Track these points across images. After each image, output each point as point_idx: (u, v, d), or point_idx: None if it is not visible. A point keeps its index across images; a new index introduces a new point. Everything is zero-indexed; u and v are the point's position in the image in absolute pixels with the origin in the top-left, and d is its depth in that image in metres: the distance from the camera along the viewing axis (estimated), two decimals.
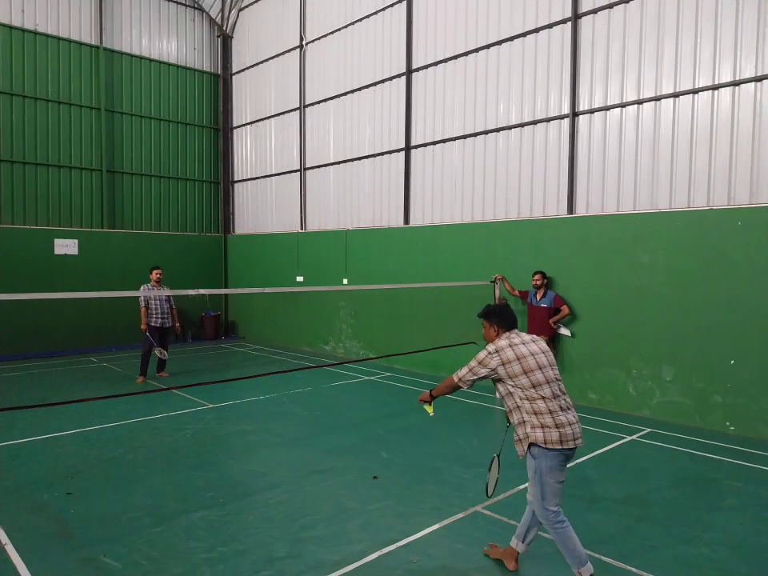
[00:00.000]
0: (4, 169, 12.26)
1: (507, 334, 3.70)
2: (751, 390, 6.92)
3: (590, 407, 8.19)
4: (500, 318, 3.74)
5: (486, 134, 9.85)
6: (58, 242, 12.79)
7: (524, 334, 3.74)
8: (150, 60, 14.33)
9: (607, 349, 8.21)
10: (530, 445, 3.50)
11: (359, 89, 12.13)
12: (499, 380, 3.61)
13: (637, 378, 7.91)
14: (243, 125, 15.38)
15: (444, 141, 10.51)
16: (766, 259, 6.81)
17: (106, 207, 13.66)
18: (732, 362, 7.05)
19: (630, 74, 8.15)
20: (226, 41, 15.61)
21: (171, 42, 14.74)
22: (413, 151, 11.09)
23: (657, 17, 7.83)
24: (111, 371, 10.66)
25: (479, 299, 6.51)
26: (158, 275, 9.72)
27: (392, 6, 11.36)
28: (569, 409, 3.57)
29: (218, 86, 15.66)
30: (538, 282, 8.54)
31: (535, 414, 3.48)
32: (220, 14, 15.35)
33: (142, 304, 9.62)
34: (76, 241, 13.04)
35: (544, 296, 8.52)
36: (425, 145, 10.85)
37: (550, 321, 8.42)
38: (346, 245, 12.30)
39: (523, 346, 3.60)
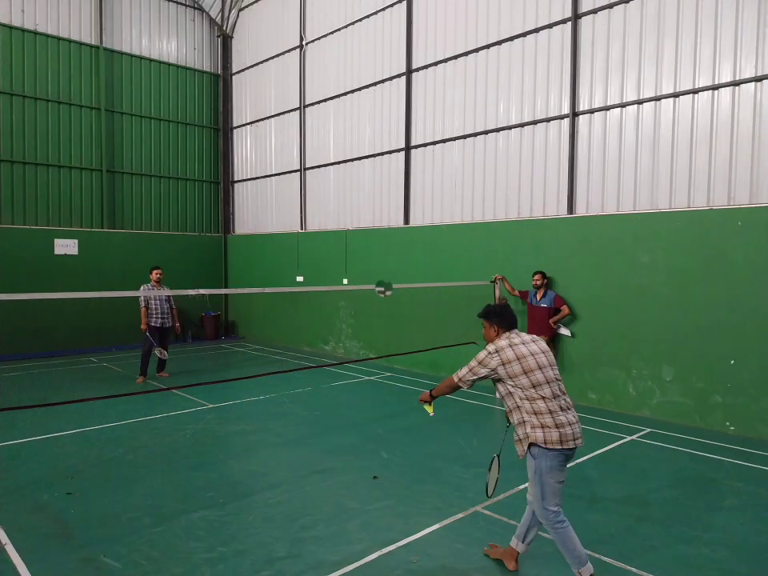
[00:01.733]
0: (4, 169, 12.26)
1: (507, 334, 3.70)
2: (751, 390, 6.92)
3: (590, 407, 8.19)
4: (500, 318, 3.74)
5: (486, 134, 9.85)
6: (58, 241, 12.80)
7: (524, 333, 3.74)
8: (150, 60, 14.33)
9: (607, 349, 8.21)
10: (530, 445, 3.51)
11: (359, 89, 12.12)
12: (499, 380, 3.61)
13: (637, 378, 7.91)
14: (243, 125, 15.38)
15: (444, 141, 10.51)
16: (766, 259, 6.81)
17: (106, 207, 13.66)
18: (732, 362, 7.05)
19: (629, 73, 8.15)
20: (226, 41, 15.61)
21: (171, 42, 14.74)
22: (413, 151, 11.09)
23: (657, 17, 7.83)
24: (111, 371, 10.65)
25: (479, 299, 6.52)
26: (158, 275, 9.73)
27: (392, 5, 11.36)
28: (569, 409, 3.57)
29: (217, 86, 15.66)
30: (538, 282, 8.54)
31: (535, 413, 3.49)
32: (220, 14, 15.35)
33: (142, 304, 9.62)
34: (76, 241, 13.04)
35: (544, 296, 8.52)
36: (425, 145, 10.85)
37: (550, 321, 8.43)
38: (346, 245, 12.30)
39: (523, 346, 3.60)
